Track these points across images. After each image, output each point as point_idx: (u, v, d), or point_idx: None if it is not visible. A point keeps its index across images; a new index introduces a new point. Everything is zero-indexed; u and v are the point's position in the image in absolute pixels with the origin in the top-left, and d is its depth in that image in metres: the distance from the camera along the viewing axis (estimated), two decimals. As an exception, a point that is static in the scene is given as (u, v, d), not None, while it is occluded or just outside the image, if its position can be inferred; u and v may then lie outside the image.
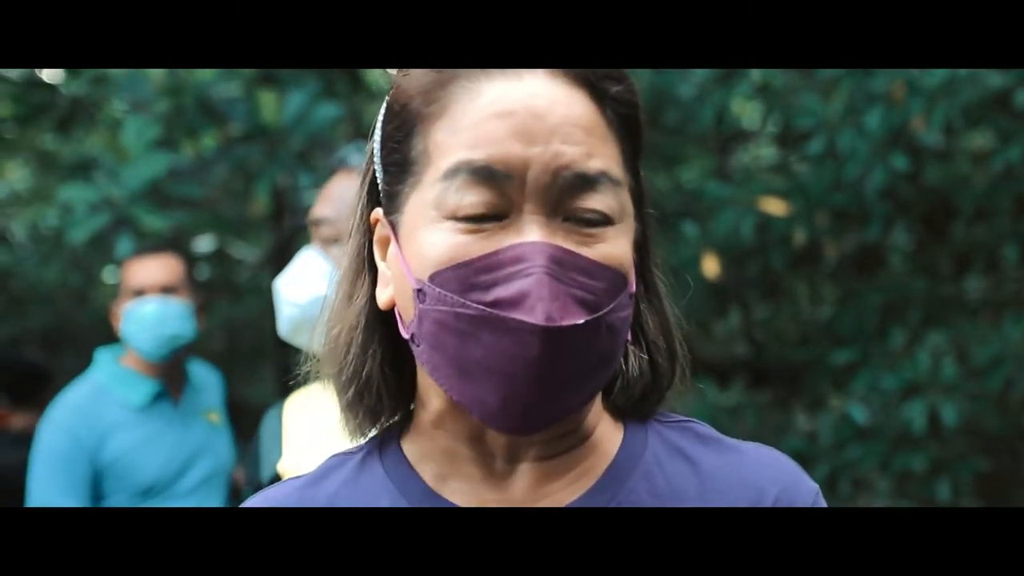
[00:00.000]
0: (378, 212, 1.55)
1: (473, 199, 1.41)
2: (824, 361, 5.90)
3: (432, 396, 1.50)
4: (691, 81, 5.63)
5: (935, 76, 4.84)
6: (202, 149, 6.40)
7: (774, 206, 5.50)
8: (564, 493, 1.51)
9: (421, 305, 1.44)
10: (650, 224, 1.58)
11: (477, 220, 1.41)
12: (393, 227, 1.50)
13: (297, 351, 3.12)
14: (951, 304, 5.86)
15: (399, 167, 1.49)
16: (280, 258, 6.43)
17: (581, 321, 1.38)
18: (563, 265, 1.39)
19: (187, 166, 6.13)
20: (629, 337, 1.53)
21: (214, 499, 4.61)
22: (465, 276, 1.40)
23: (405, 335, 1.48)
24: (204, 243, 9.09)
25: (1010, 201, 5.64)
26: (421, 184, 1.46)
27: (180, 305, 4.54)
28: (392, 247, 1.50)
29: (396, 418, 1.57)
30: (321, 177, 3.45)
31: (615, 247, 1.44)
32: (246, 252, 9.86)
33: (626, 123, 1.49)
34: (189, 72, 6.04)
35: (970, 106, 4.97)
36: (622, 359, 1.53)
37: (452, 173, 1.42)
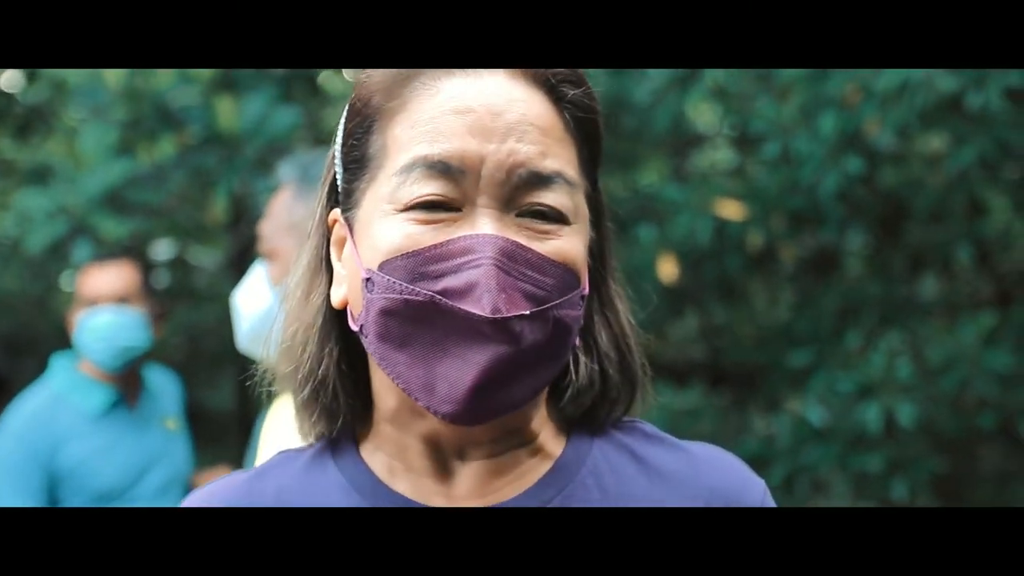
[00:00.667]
0: (336, 213, 1.57)
1: (427, 190, 1.43)
2: (781, 363, 5.92)
3: (386, 394, 1.53)
4: (646, 87, 5.64)
5: (888, 80, 4.86)
6: (160, 156, 6.37)
7: (730, 210, 5.51)
8: (507, 490, 1.54)
9: (369, 295, 1.45)
10: (608, 237, 1.61)
11: (430, 210, 1.43)
12: (349, 223, 1.53)
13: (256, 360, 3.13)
14: (906, 306, 5.89)
15: (357, 163, 1.52)
16: (239, 264, 6.42)
17: (527, 312, 1.40)
18: (513, 259, 1.41)
19: (145, 173, 6.11)
20: (579, 344, 1.56)
21: (172, 505, 4.60)
22: (414, 265, 1.42)
23: (354, 327, 1.50)
24: (163, 250, 9.06)
25: (963, 203, 5.67)
26: (377, 179, 1.48)
27: (134, 315, 4.53)
28: (348, 244, 1.53)
29: (349, 418, 1.58)
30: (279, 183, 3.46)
31: (567, 245, 1.46)
32: (205, 258, 9.83)
33: (584, 127, 1.52)
34: (146, 79, 6.02)
35: (924, 109, 5.00)
36: (573, 368, 1.56)
37: (408, 168, 1.44)
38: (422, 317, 1.41)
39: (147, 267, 4.83)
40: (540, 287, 1.42)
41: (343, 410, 1.57)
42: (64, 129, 6.87)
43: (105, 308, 4.51)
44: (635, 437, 1.61)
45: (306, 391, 1.57)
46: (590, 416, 1.59)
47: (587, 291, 1.51)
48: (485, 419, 1.45)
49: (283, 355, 1.60)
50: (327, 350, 1.56)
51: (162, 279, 9.12)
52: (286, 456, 1.63)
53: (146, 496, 4.52)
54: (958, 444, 5.84)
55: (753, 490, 1.59)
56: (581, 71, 1.52)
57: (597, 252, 1.59)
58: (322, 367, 1.56)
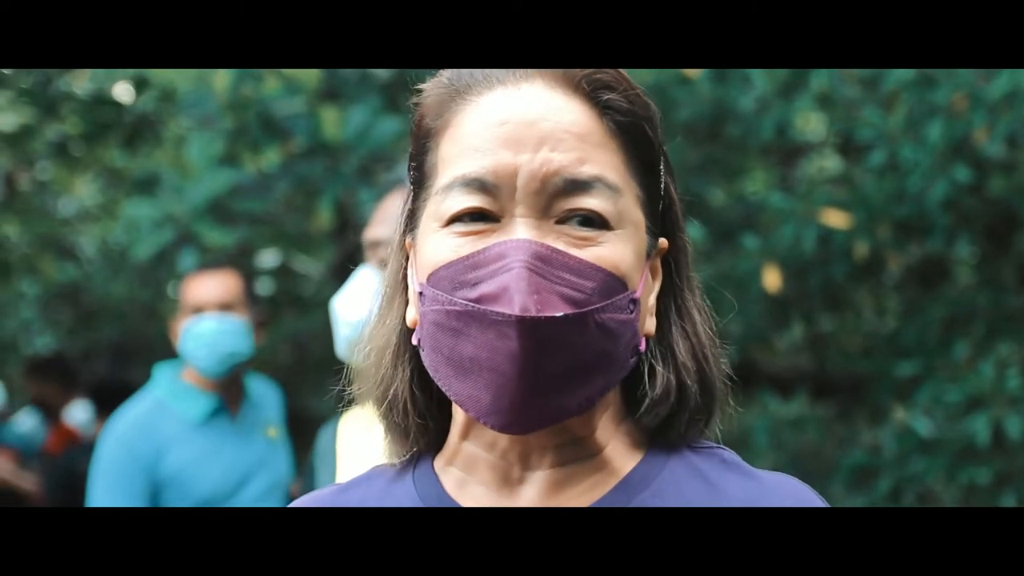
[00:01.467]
0: (410, 237, 1.60)
1: (465, 204, 1.46)
2: (887, 373, 5.86)
3: (458, 409, 1.55)
4: (751, 94, 5.61)
5: (997, 87, 4.80)
6: (265, 165, 6.44)
7: (836, 219, 5.46)
8: (573, 504, 1.53)
9: (422, 307, 1.50)
10: (683, 248, 1.60)
11: (470, 221, 1.46)
12: (414, 243, 1.56)
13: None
14: (1016, 316, 5.80)
15: (418, 184, 1.56)
16: (343, 272, 6.45)
17: (559, 314, 1.40)
18: (549, 263, 1.42)
19: (250, 182, 6.17)
20: (656, 354, 1.54)
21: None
22: (454, 274, 1.45)
23: (415, 342, 1.53)
24: (268, 258, 9.14)
25: (1076, 212, 5.59)
26: (430, 198, 1.52)
27: (238, 322, 4.57)
28: (411, 261, 1.57)
29: (427, 434, 1.60)
30: (382, 192, 3.47)
31: (610, 250, 1.47)
32: (310, 266, 9.91)
33: (627, 131, 1.51)
34: (253, 88, 6.09)
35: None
36: (648, 379, 1.54)
37: (448, 187, 1.48)
38: (463, 327, 1.44)
39: (250, 275, 4.88)
40: (579, 290, 1.43)
41: (414, 428, 1.59)
42: (171, 139, 6.95)
43: (209, 315, 4.56)
44: (712, 463, 1.58)
45: (382, 409, 1.60)
46: (667, 427, 1.57)
47: (639, 295, 1.50)
48: (537, 427, 1.46)
49: (363, 375, 1.64)
50: (399, 370, 1.58)
51: (267, 287, 9.20)
52: (376, 470, 1.66)
53: (247, 504, 4.55)
54: (1069, 457, 5.73)
55: None
56: (621, 74, 1.52)
57: (673, 263, 1.59)
58: (393, 387, 1.58)
